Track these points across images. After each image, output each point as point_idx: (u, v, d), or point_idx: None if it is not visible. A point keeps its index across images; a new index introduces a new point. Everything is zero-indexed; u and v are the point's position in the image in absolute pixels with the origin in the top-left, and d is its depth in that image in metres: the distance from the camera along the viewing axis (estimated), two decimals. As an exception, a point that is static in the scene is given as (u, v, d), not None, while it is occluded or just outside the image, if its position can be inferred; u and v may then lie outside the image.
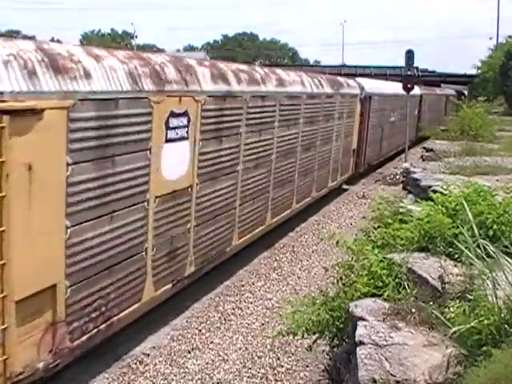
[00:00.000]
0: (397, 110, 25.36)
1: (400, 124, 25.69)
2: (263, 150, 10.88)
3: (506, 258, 4.86)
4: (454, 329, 4.36)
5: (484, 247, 4.89)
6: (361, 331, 4.78)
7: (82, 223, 5.95)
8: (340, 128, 16.72)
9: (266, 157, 11.10)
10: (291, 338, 6.74)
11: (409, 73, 22.76)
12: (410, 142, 28.29)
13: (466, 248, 5.17)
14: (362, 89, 19.19)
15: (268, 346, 7.88)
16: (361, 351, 4.52)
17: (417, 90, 28.31)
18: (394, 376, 4.21)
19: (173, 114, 7.47)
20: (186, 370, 7.28)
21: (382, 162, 24.67)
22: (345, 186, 19.45)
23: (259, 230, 11.34)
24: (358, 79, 20.32)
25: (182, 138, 7.83)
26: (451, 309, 4.68)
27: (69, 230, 5.75)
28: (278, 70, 12.66)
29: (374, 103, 20.82)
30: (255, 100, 10.11)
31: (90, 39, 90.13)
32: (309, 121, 13.53)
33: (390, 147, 25.78)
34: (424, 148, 21.17)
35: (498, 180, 9.72)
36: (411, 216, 7.07)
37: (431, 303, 5.01)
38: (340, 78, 17.93)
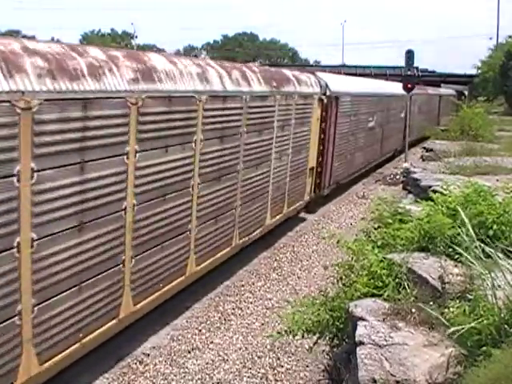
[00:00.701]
0: (377, 113, 21.59)
1: (382, 130, 22.75)
2: (103, 194, 6.30)
3: (501, 257, 4.87)
4: (452, 329, 4.37)
5: (483, 249, 4.91)
6: (361, 331, 4.78)
7: None
8: (285, 142, 12.13)
9: (112, 205, 6.50)
10: (291, 338, 6.74)
11: (409, 73, 22.79)
12: (395, 151, 26.52)
13: (465, 248, 5.19)
14: (326, 87, 14.79)
15: (268, 346, 7.88)
16: (361, 351, 4.52)
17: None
18: (394, 376, 4.21)
19: None
20: (186, 370, 7.29)
21: (357, 177, 20.68)
22: (302, 215, 15.18)
23: (108, 326, 6.78)
24: (320, 74, 15.56)
25: None
26: (451, 309, 4.69)
27: None
28: (151, 54, 7.80)
29: (343, 105, 16.55)
30: (63, 107, 5.52)
31: (90, 39, 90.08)
32: (216, 136, 8.83)
33: (368, 159, 21.55)
34: (424, 148, 21.18)
35: (498, 180, 9.73)
36: (410, 216, 7.08)
37: (431, 303, 5.02)
38: (286, 72, 13.18)
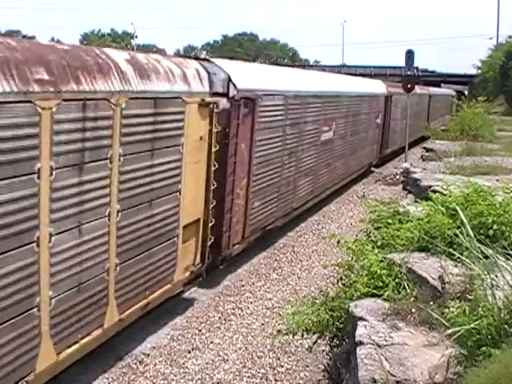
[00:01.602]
0: (338, 120, 16.20)
1: (346, 142, 17.61)
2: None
3: (500, 258, 4.87)
4: (450, 330, 4.36)
5: (482, 249, 4.92)
6: (361, 331, 4.78)
7: None
8: (91, 194, 6.19)
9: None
10: (291, 337, 6.74)
11: (409, 73, 22.78)
12: (369, 165, 22.33)
13: (465, 249, 5.19)
14: (227, 82, 9.12)
15: (268, 346, 7.88)
16: (361, 351, 4.52)
17: (381, 88, 22.17)
18: (394, 376, 4.21)
19: None
20: (186, 370, 7.29)
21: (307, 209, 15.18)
22: (190, 295, 9.57)
23: None
24: (217, 60, 9.65)
25: None
26: (451, 309, 4.69)
27: None
28: None
29: (267, 112, 10.85)
30: None
31: (89, 39, 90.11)
32: None
33: (322, 184, 15.77)
34: (424, 148, 21.17)
35: (498, 180, 9.72)
36: (408, 217, 7.07)
37: (431, 303, 5.02)
38: (104, 51, 6.74)
